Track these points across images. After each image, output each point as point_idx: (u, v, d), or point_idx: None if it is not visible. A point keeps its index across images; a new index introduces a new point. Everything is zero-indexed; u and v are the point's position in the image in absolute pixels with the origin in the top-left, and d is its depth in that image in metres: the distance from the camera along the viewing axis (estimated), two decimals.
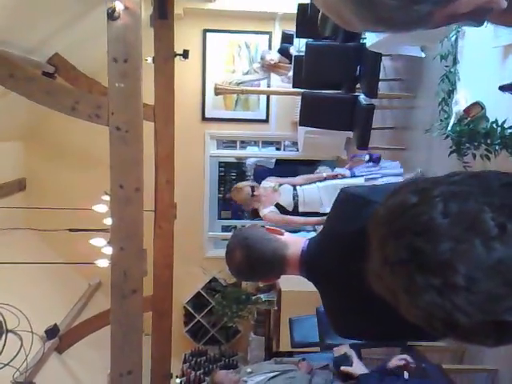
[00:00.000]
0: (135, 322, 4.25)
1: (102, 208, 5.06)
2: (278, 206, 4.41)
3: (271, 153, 8.68)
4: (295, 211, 4.41)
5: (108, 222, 4.57)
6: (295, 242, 1.59)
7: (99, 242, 4.91)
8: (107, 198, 4.48)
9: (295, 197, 4.41)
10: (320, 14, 3.75)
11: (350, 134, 5.41)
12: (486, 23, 0.76)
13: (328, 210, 1.66)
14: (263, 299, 6.99)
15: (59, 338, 5.84)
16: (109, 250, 4.54)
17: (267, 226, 1.67)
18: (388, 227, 0.75)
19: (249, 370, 3.78)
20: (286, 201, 4.41)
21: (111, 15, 3.48)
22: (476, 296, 0.67)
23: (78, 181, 7.13)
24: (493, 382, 3.35)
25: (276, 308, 6.71)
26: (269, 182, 4.56)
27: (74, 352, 5.97)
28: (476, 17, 0.81)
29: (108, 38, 3.65)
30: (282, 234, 1.62)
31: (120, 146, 3.88)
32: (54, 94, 3.89)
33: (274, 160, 8.66)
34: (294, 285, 4.98)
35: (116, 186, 3.96)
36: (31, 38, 5.19)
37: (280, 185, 4.49)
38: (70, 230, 5.17)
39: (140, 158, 4.02)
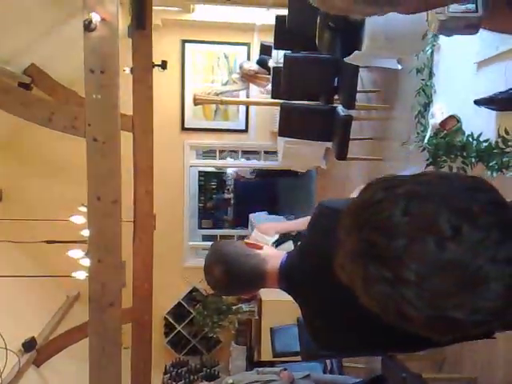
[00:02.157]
0: (113, 334, 4.20)
1: (79, 219, 5.01)
2: None
3: (251, 162, 8.68)
4: None
5: (86, 233, 4.52)
6: (274, 257, 1.59)
7: (77, 253, 4.85)
8: (85, 209, 4.43)
9: None
10: (317, 31, 3.77)
11: (330, 144, 5.44)
12: (478, 32, 0.77)
13: None
14: (244, 309, 6.98)
15: (37, 351, 5.74)
16: (87, 262, 4.48)
17: (246, 241, 1.67)
18: (353, 220, 0.79)
19: (230, 381, 3.76)
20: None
21: (88, 26, 3.46)
22: (425, 292, 0.70)
23: (56, 191, 7.04)
24: None
25: (257, 317, 6.70)
26: (263, 235, 4.10)
27: (51, 365, 5.87)
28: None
29: (84, 49, 3.62)
30: (261, 249, 1.62)
31: (97, 158, 3.85)
32: (30, 106, 3.85)
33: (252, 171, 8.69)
34: (275, 294, 4.95)
35: (93, 198, 3.93)
36: (7, 48, 5.12)
37: (278, 242, 4.11)
38: (47, 241, 5.09)
39: (117, 170, 3.99)
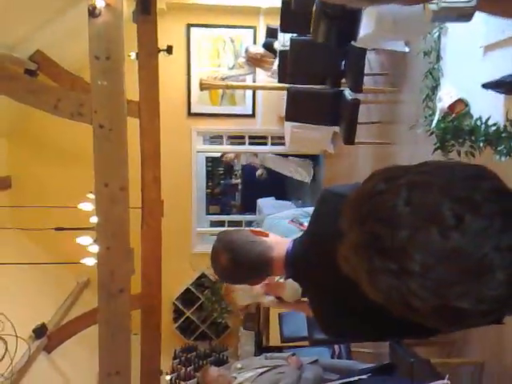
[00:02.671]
0: (123, 321, 4.23)
1: (87, 206, 5.02)
2: None
3: (258, 148, 8.65)
4: None
5: (94, 220, 4.54)
6: (280, 244, 1.59)
7: (86, 240, 4.86)
8: (93, 196, 4.44)
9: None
10: (313, 18, 3.71)
11: (337, 128, 5.40)
12: (472, 18, 0.75)
13: None
14: None
15: (47, 337, 5.80)
16: (95, 249, 4.50)
17: (252, 228, 1.66)
18: (355, 211, 0.79)
19: (239, 365, 3.79)
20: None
21: (92, 12, 3.43)
22: (430, 282, 0.70)
23: (64, 178, 7.06)
24: (479, 375, 3.38)
25: None
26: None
27: (62, 351, 5.93)
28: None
29: (89, 35, 3.60)
30: (267, 236, 1.62)
31: (104, 144, 3.84)
32: (36, 93, 3.84)
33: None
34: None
35: (101, 185, 3.93)
36: (12, 35, 5.11)
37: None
38: (56, 228, 5.11)
39: (125, 157, 3.98)
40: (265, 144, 8.47)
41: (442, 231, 0.69)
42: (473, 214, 0.69)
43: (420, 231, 0.70)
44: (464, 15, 0.75)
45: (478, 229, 0.68)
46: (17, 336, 4.04)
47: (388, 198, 0.74)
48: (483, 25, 2.23)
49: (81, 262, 4.80)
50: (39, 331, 5.61)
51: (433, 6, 0.73)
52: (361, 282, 0.79)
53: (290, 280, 1.62)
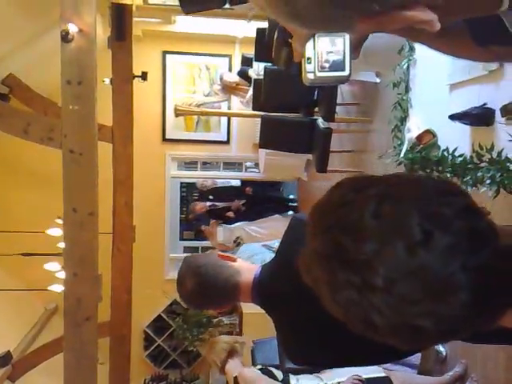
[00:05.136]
0: (89, 350, 4.12)
1: (56, 231, 4.93)
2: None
3: (233, 174, 8.66)
4: None
5: (63, 245, 4.46)
6: (248, 269, 1.57)
7: (54, 266, 4.78)
8: (61, 221, 4.37)
9: None
10: (274, 45, 3.76)
11: (310, 156, 5.45)
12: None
13: None
14: (225, 322, 6.92)
15: (12, 366, 5.62)
16: (63, 275, 4.41)
17: (219, 253, 1.64)
18: (321, 219, 0.76)
19: None
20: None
21: (65, 37, 3.42)
22: (392, 298, 0.67)
23: (34, 203, 6.94)
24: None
25: (238, 330, 6.64)
26: None
27: (27, 380, 5.75)
28: (406, 36, 0.81)
29: (62, 60, 3.58)
30: (234, 261, 1.60)
31: (73, 169, 3.79)
32: (6, 117, 3.80)
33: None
34: (256, 307, 4.94)
35: (69, 210, 3.87)
36: None
37: None
38: (23, 254, 5.01)
39: (94, 182, 3.93)
40: (239, 170, 8.50)
41: (409, 247, 0.66)
42: (442, 230, 0.67)
43: (386, 245, 0.67)
44: (340, 81, 0.81)
45: (446, 246, 0.66)
46: None
47: (356, 209, 0.71)
48: (449, 63, 2.29)
49: (48, 288, 4.70)
50: (4, 359, 5.45)
51: (310, 75, 0.77)
52: (321, 293, 0.76)
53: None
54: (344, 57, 0.73)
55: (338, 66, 0.74)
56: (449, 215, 0.68)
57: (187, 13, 3.80)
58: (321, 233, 0.74)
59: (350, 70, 0.75)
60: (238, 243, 7.00)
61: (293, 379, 3.15)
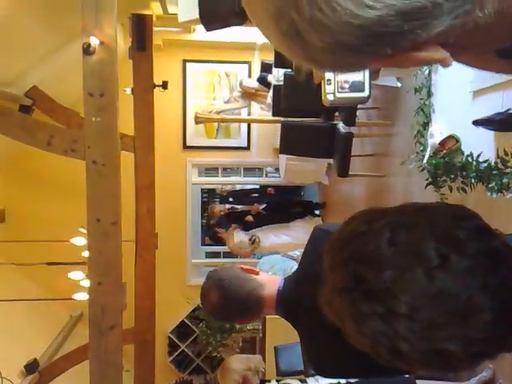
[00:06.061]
0: (114, 357, 4.15)
1: (79, 241, 4.99)
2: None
3: (253, 179, 8.67)
4: None
5: (87, 254, 4.51)
6: (271, 282, 1.57)
7: (77, 275, 4.83)
8: (85, 230, 4.43)
9: None
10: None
11: (331, 160, 5.42)
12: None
13: None
14: (248, 327, 6.92)
15: (39, 373, 5.70)
16: (88, 283, 4.46)
17: (243, 266, 1.65)
18: (337, 254, 0.76)
19: None
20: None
21: (86, 50, 3.47)
22: (417, 324, 0.67)
23: (58, 212, 7.04)
24: None
25: (261, 336, 6.63)
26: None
27: None
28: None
29: (83, 72, 3.63)
30: (257, 274, 1.60)
31: (97, 180, 3.84)
32: (29, 130, 3.86)
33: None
34: None
35: (93, 220, 3.91)
36: (8, 71, 5.15)
37: None
38: (48, 263, 5.08)
39: (117, 192, 3.97)
40: (260, 176, 8.51)
41: (428, 272, 0.67)
42: (458, 253, 0.68)
43: (405, 272, 0.68)
44: (360, 102, 0.80)
45: (464, 268, 0.67)
46: (1, 377, 3.96)
47: (370, 239, 0.72)
48: (470, 70, 2.27)
49: (72, 297, 4.75)
50: (30, 367, 5.52)
51: (330, 96, 0.78)
52: (344, 327, 0.76)
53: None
54: (364, 77, 0.73)
55: (357, 86, 0.75)
56: (463, 238, 0.69)
57: (208, 30, 3.81)
58: (338, 267, 0.75)
59: (370, 91, 0.75)
60: (253, 241, 6.97)
61: (311, 380, 3.14)
